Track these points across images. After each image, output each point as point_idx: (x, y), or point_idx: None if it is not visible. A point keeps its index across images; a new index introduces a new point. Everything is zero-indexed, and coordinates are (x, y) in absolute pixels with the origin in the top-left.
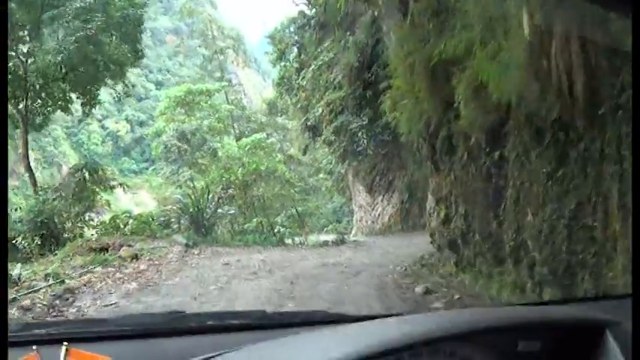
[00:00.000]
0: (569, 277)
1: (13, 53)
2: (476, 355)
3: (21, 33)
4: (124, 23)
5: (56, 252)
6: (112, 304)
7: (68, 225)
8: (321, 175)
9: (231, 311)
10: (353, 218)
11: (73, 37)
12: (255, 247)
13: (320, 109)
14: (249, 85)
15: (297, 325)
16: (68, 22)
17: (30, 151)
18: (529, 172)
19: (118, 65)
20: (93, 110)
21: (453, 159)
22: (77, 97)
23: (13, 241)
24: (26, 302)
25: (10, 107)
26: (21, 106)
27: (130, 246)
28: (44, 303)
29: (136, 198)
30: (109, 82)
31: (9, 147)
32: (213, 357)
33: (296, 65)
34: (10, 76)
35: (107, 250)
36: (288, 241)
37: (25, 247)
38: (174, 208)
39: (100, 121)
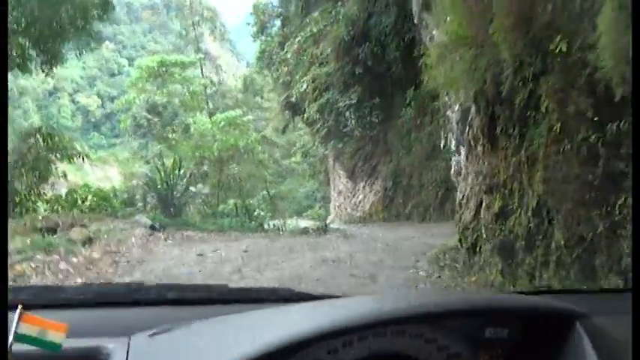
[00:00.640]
0: None
1: None
2: (442, 338)
3: None
4: None
5: None
6: None
7: (18, 199)
8: (293, 159)
9: (193, 285)
10: (330, 204)
11: None
12: (231, 232)
13: (304, 85)
14: (224, 64)
15: (261, 302)
16: None
17: None
18: None
19: (83, 18)
20: (54, 70)
21: (529, 132)
22: (37, 55)
23: None
24: None
25: None
26: None
27: (83, 226)
28: None
29: (104, 173)
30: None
31: None
32: (171, 328)
33: (279, 39)
34: None
35: (55, 230)
36: (267, 226)
37: None
38: (140, 183)
39: (70, 95)
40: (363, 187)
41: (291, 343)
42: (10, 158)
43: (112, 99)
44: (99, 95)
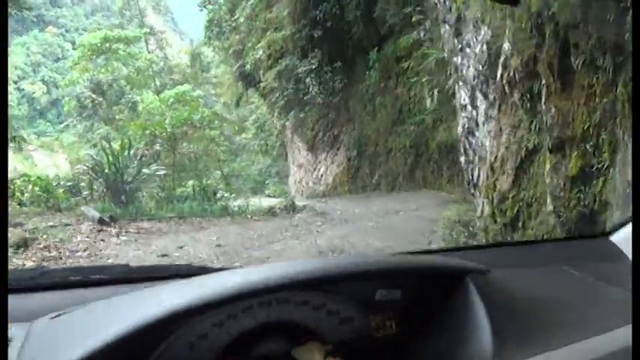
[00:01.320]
0: None
1: None
2: (331, 303)
3: None
4: None
5: None
6: None
7: None
8: (244, 135)
9: (96, 266)
10: (286, 179)
11: None
12: (193, 219)
13: (260, 52)
14: (169, 39)
15: (163, 279)
16: None
17: None
18: None
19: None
20: None
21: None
22: None
23: None
24: None
25: None
26: None
27: (19, 225)
28: None
29: (52, 160)
30: None
31: None
32: (71, 311)
33: (228, 6)
34: None
35: None
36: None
37: None
38: (86, 168)
39: (15, 82)
40: (325, 158)
41: (170, 316)
42: None
43: (57, 85)
44: (44, 81)
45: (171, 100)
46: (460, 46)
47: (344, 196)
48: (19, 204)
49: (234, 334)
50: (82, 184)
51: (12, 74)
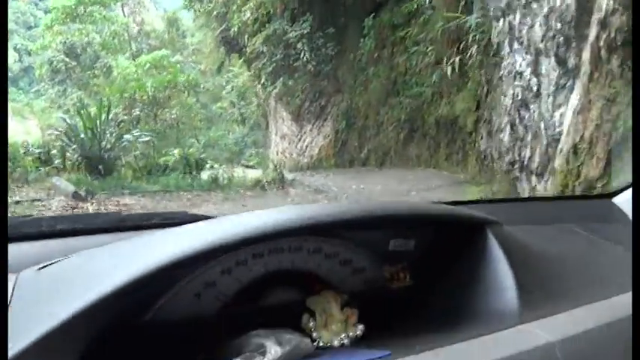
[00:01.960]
0: None
1: None
2: (344, 252)
3: None
4: None
5: None
6: None
7: None
8: (219, 104)
9: (84, 214)
10: (264, 149)
11: None
12: (181, 194)
13: (247, 14)
14: (147, 2)
15: (155, 227)
16: None
17: None
18: None
19: None
20: None
21: None
22: None
23: None
24: None
25: None
26: None
27: None
28: None
29: (24, 127)
30: None
31: None
32: (60, 260)
33: None
34: None
35: None
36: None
37: None
38: (58, 134)
39: None
40: (311, 129)
41: (176, 262)
42: None
43: (30, 52)
44: (16, 49)
45: (148, 65)
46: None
47: (331, 170)
48: None
49: (243, 282)
50: (54, 151)
51: None
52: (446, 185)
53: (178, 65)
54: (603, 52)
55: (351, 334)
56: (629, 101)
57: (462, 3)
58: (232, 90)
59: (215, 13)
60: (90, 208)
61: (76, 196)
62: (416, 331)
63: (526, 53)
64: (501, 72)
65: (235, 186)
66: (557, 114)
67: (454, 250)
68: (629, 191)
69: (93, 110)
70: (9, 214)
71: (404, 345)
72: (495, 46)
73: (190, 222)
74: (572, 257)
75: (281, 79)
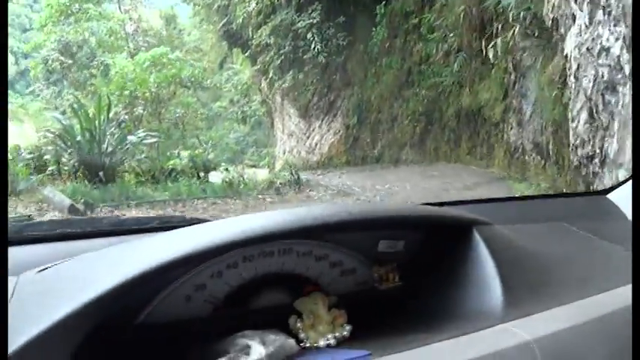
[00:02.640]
0: None
1: None
2: (333, 254)
3: None
4: None
5: None
6: None
7: None
8: (218, 104)
9: (83, 218)
10: (276, 148)
11: None
12: (195, 202)
13: (252, 4)
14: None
15: (156, 230)
16: None
17: None
18: None
19: None
20: None
21: None
22: None
23: None
24: None
25: None
26: None
27: None
28: None
29: (20, 130)
30: None
31: None
32: (59, 263)
33: None
34: None
35: None
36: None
37: None
38: (52, 136)
39: None
40: (320, 126)
41: (166, 265)
42: None
43: (26, 55)
44: (12, 52)
45: (147, 63)
46: None
47: (343, 168)
48: None
49: (233, 285)
50: (47, 156)
51: None
52: (484, 183)
53: (177, 63)
54: None
55: (337, 334)
56: None
57: None
58: (234, 87)
59: (216, 5)
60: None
61: (72, 210)
62: (402, 331)
63: (615, 25)
64: (569, 50)
65: (249, 189)
66: None
67: (443, 251)
68: (625, 187)
69: (91, 110)
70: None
71: (389, 345)
72: (551, 22)
73: (188, 225)
74: (562, 255)
75: (290, 72)
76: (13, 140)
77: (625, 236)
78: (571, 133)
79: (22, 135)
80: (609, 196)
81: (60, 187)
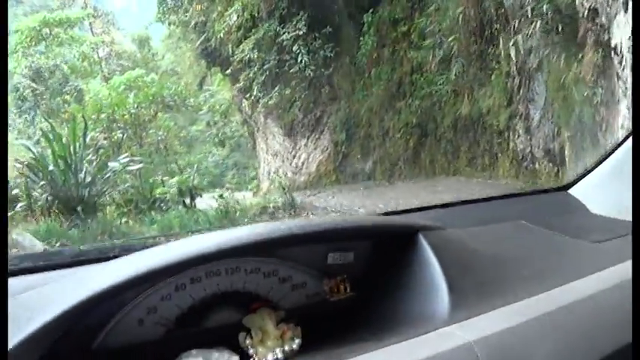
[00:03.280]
0: None
1: None
2: (282, 269)
3: None
4: None
5: None
6: None
7: None
8: (194, 127)
9: (43, 252)
10: (259, 170)
11: None
12: (188, 236)
13: (234, 17)
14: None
15: (114, 258)
16: None
17: None
18: None
19: None
20: None
21: None
22: None
23: None
24: None
25: None
26: None
27: None
28: None
29: None
30: None
31: None
32: (19, 295)
33: None
34: None
35: None
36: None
37: None
38: (20, 166)
39: None
40: (306, 144)
41: (112, 289)
42: None
43: None
44: None
45: (123, 86)
46: None
47: (334, 187)
48: None
49: (183, 306)
50: (17, 190)
51: None
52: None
53: (155, 85)
54: None
55: (286, 348)
56: None
57: None
58: (211, 109)
59: (193, 22)
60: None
61: None
62: (351, 341)
63: None
64: (618, 41)
65: (243, 217)
66: None
67: (391, 259)
68: (585, 181)
69: (66, 136)
70: None
71: (336, 356)
72: (587, 12)
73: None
74: (519, 253)
75: (277, 87)
76: None
77: (588, 229)
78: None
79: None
80: (570, 191)
81: (32, 227)
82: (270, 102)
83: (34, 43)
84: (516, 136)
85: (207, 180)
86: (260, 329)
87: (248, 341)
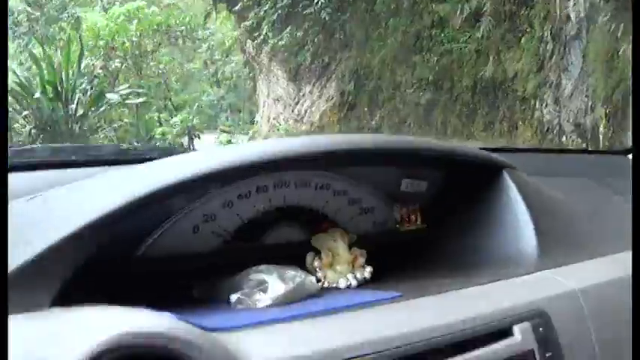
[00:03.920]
0: None
1: None
2: (353, 190)
3: None
4: None
5: None
6: None
7: None
8: (192, 65)
9: (80, 145)
10: (258, 114)
11: None
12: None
13: None
14: None
15: (150, 159)
16: None
17: None
18: None
19: None
20: None
21: None
22: None
23: None
24: None
25: None
26: None
27: None
28: None
29: None
30: None
31: None
32: (52, 190)
33: None
34: None
35: None
36: None
37: None
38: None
39: None
40: (311, 91)
41: (169, 188)
42: None
43: None
44: None
45: (122, 17)
46: None
47: None
48: None
49: (245, 217)
50: None
51: None
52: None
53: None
54: None
55: (358, 275)
56: None
57: None
58: (211, 47)
59: None
60: None
61: None
62: (427, 276)
63: None
64: None
65: None
66: None
67: (469, 194)
68: None
69: (57, 60)
70: None
71: (414, 288)
72: None
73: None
74: (587, 210)
75: (288, 28)
76: None
77: None
78: None
79: None
80: (629, 156)
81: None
82: (280, 43)
83: None
84: (544, 106)
85: (202, 120)
86: (330, 251)
87: (317, 263)
